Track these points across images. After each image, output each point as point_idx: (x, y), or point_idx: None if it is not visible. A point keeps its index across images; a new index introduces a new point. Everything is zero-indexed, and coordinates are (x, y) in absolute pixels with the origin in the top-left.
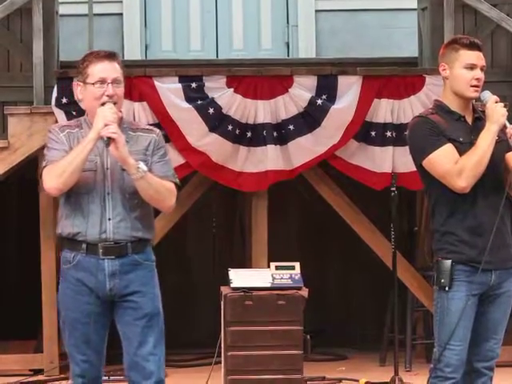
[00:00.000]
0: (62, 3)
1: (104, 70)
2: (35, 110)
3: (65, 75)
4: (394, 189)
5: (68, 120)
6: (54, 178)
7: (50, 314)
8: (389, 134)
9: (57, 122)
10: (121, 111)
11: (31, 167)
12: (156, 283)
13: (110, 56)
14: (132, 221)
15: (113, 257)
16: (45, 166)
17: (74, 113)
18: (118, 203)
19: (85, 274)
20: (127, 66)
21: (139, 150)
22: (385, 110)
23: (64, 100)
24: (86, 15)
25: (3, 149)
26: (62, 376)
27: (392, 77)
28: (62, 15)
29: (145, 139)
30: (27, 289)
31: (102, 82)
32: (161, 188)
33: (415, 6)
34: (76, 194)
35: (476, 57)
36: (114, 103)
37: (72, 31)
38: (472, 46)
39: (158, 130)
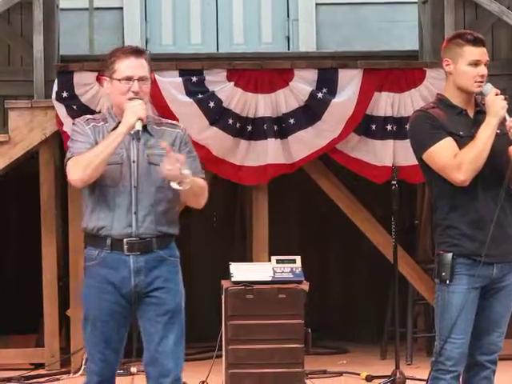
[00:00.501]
0: None
1: (131, 67)
2: (36, 104)
3: (65, 69)
4: (394, 182)
5: (68, 114)
6: (79, 170)
7: (51, 308)
8: (389, 127)
9: (57, 116)
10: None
11: (32, 162)
12: (180, 280)
13: (138, 52)
14: (157, 215)
15: (138, 253)
16: (70, 158)
17: (75, 107)
18: (144, 197)
19: (109, 270)
20: None
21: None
22: (385, 104)
23: (64, 94)
24: (86, 9)
25: (3, 143)
26: (63, 370)
27: (392, 70)
28: (62, 9)
29: (170, 134)
30: (28, 283)
31: (128, 79)
32: (198, 189)
33: None
34: (101, 187)
35: (480, 53)
36: (140, 99)
37: (72, 25)
38: (476, 42)
39: (182, 125)
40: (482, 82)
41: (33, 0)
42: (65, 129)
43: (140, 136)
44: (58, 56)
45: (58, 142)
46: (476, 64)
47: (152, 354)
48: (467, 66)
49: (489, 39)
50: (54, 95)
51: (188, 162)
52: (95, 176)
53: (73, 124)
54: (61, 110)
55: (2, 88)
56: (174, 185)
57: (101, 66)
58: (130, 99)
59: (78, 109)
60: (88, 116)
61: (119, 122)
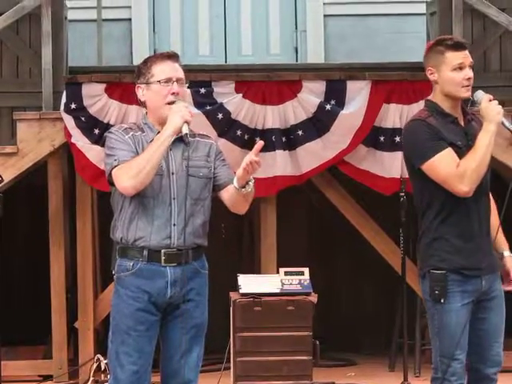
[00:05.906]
0: (71, 9)
1: (168, 69)
2: (44, 115)
3: (74, 81)
4: (402, 194)
5: (76, 126)
6: (131, 178)
7: (59, 320)
8: (398, 139)
9: (65, 127)
10: None
11: (40, 173)
12: (207, 293)
13: (173, 56)
14: (194, 227)
15: (175, 264)
16: (115, 166)
17: (83, 118)
18: (183, 209)
19: (146, 281)
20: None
21: (201, 155)
22: (393, 115)
23: (73, 105)
24: (94, 21)
25: (12, 154)
26: (71, 382)
27: (401, 82)
28: (70, 20)
29: (204, 145)
30: (36, 295)
31: (168, 81)
32: (252, 194)
33: (424, 10)
34: (141, 198)
35: (463, 56)
36: (182, 101)
37: (81, 37)
38: (458, 47)
39: (212, 137)
40: (468, 85)
41: (41, 11)
42: (73, 140)
43: (189, 139)
44: (66, 67)
45: (67, 154)
46: (460, 68)
47: (174, 365)
48: (452, 71)
49: (497, 50)
50: (62, 107)
51: (225, 168)
52: (147, 182)
53: (109, 132)
54: (69, 121)
55: (10, 99)
56: (245, 188)
57: (108, 77)
58: (170, 103)
59: (87, 120)
60: (124, 125)
61: (159, 132)
